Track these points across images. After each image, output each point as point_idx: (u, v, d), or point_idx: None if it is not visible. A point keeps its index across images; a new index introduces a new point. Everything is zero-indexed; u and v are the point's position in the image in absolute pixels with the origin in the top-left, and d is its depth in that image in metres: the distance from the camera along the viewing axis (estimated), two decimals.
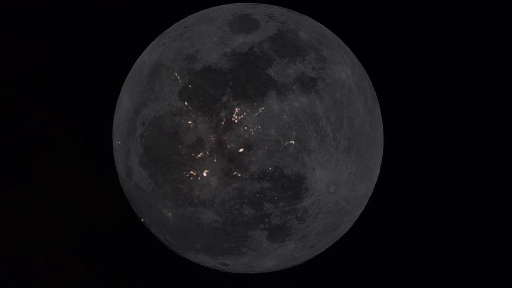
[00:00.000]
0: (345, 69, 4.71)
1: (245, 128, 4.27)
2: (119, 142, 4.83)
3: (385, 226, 6.85)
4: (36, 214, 6.60)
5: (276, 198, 4.36)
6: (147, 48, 5.09)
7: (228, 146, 4.27)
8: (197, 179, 4.38)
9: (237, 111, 4.28)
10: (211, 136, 4.29)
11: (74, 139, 6.64)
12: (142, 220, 4.90)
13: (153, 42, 5.08)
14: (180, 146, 4.36)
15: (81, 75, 6.69)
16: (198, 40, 4.57)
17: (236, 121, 4.28)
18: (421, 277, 6.80)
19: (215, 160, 4.31)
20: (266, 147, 4.27)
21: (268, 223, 4.48)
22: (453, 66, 6.83)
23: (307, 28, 4.81)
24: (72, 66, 6.69)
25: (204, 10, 5.08)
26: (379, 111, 5.13)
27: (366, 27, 6.76)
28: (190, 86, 4.41)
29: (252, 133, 4.27)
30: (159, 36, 5.08)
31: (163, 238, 5.08)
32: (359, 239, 6.41)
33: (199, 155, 4.33)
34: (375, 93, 5.12)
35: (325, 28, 5.11)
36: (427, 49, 6.83)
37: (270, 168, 4.29)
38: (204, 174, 4.36)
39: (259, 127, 4.27)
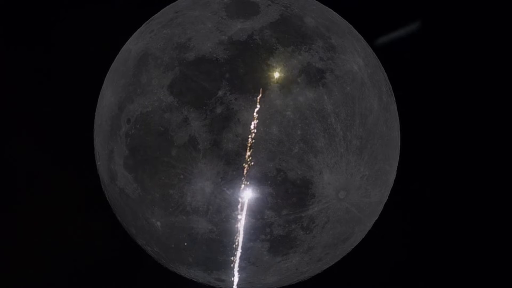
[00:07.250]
0: (356, 59, 4.65)
1: (244, 126, 4.27)
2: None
3: (402, 237, 6.82)
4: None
5: (278, 205, 4.33)
6: (133, 35, 4.92)
7: (225, 146, 4.28)
8: (189, 183, 4.36)
9: (234, 107, 4.28)
10: (205, 135, 4.29)
11: (50, 138, 6.60)
12: None
13: (140, 28, 4.94)
14: (170, 147, 4.36)
15: (58, 66, 6.67)
16: (190, 26, 4.42)
17: (233, 118, 4.28)
18: None
19: (209, 162, 4.31)
20: (267, 148, 4.27)
21: (270, 234, 4.38)
22: (485, 57, 6.76)
23: (314, 13, 4.69)
24: (47, 56, 6.67)
25: None
26: (395, 107, 5.02)
27: (380, 12, 6.73)
28: (181, 78, 4.41)
29: (252, 132, 4.27)
30: (147, 22, 4.92)
31: (151, 251, 4.99)
32: (373, 251, 6.40)
33: (192, 157, 4.33)
34: (390, 87, 5.01)
35: (334, 13, 4.93)
36: (451, 36, 6.77)
37: (272, 172, 4.31)
38: (197, 178, 4.36)
39: (260, 125, 4.28)
